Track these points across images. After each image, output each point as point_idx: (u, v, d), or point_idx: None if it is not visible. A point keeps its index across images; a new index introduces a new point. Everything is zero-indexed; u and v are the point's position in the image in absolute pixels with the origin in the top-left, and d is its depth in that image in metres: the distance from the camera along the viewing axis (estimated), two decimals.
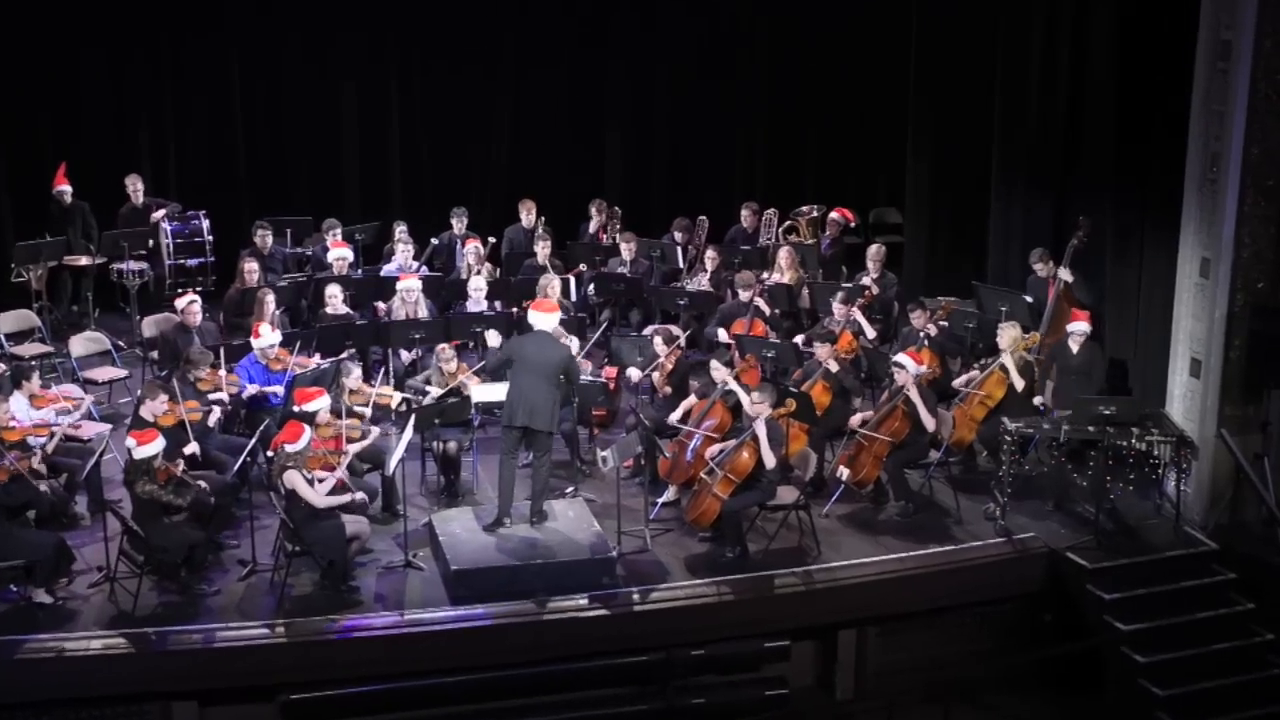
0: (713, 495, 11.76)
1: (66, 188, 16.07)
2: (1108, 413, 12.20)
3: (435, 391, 12.81)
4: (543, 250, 15.78)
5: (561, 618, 11.20)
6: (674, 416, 12.75)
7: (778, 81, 18.90)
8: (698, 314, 15.29)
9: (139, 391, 12.56)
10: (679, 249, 16.48)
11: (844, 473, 12.52)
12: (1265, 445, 12.59)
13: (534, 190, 17.02)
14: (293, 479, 11.03)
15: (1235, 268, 12.46)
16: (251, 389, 12.86)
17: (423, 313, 14.53)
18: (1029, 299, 14.28)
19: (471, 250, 15.70)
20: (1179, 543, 12.39)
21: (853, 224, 17.56)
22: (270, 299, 14.03)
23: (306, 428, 11.36)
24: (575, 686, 11.43)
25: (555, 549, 11.59)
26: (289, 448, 11.12)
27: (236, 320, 14.55)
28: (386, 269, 15.66)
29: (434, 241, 16.31)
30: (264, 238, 15.58)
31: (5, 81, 16.36)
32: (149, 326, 14.63)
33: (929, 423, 12.39)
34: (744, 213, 17.10)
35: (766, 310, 14.67)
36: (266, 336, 13.03)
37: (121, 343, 15.02)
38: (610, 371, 13.82)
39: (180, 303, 13.91)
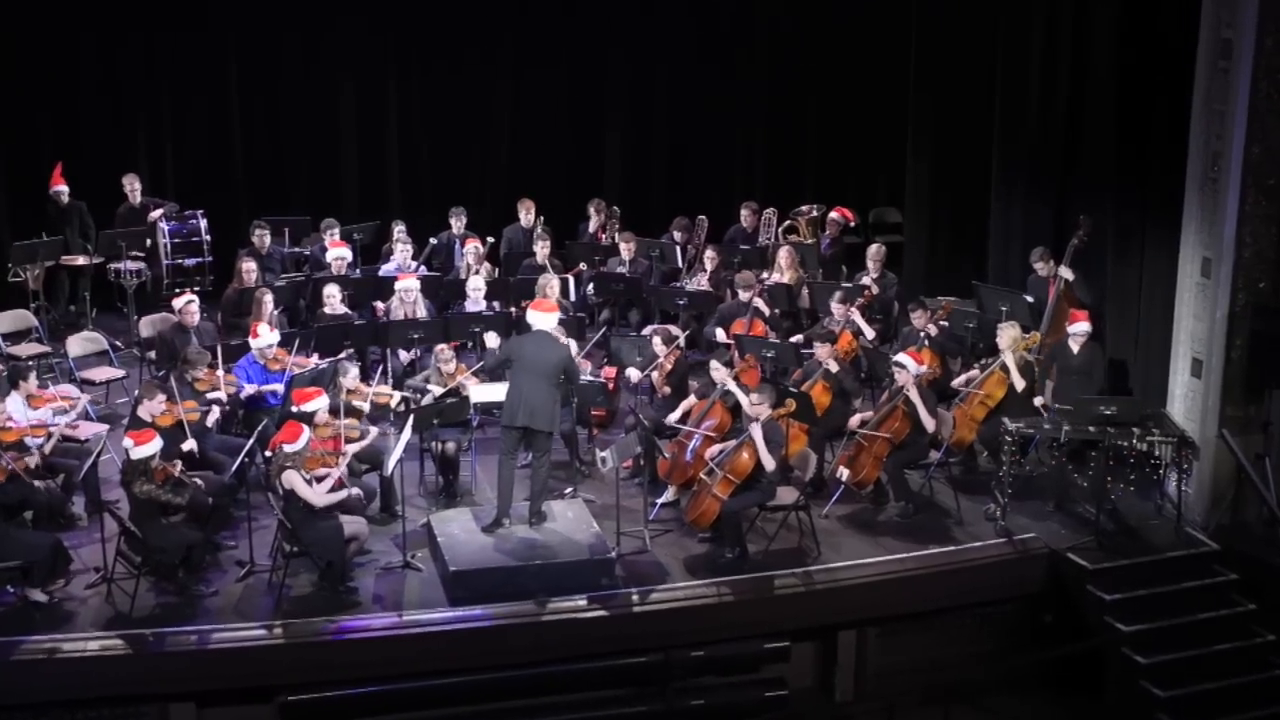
0: (712, 496, 11.74)
1: (63, 187, 16.03)
2: (1108, 413, 12.18)
3: (436, 390, 12.78)
4: (542, 250, 15.75)
5: (560, 619, 11.18)
6: (673, 417, 12.73)
7: (777, 80, 18.86)
8: (697, 314, 15.27)
9: (136, 392, 12.53)
10: (678, 249, 16.45)
11: (844, 473, 12.50)
12: (1266, 445, 12.58)
13: (533, 190, 16.99)
14: (291, 479, 11.01)
15: (1236, 267, 12.45)
16: (249, 389, 12.82)
17: (421, 313, 14.50)
18: (1029, 299, 14.25)
19: (471, 250, 15.67)
20: (1180, 543, 12.37)
21: (853, 223, 17.53)
22: (268, 299, 14.00)
23: (305, 428, 11.33)
24: (574, 688, 11.40)
25: (554, 550, 11.57)
26: (287, 448, 11.09)
27: (234, 320, 14.52)
28: (385, 269, 15.63)
29: (433, 241, 16.28)
30: (262, 237, 15.55)
31: (2, 81, 16.31)
32: (146, 326, 14.59)
33: (929, 423, 12.36)
34: (743, 212, 17.07)
35: (766, 311, 14.64)
36: (265, 336, 13.00)
37: (119, 343, 14.97)
38: (609, 372, 13.79)
39: (178, 303, 13.87)
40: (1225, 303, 12.51)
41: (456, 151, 18.23)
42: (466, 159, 18.37)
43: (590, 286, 15.77)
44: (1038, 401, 12.90)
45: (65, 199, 16.06)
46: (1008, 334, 13.16)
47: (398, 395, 12.84)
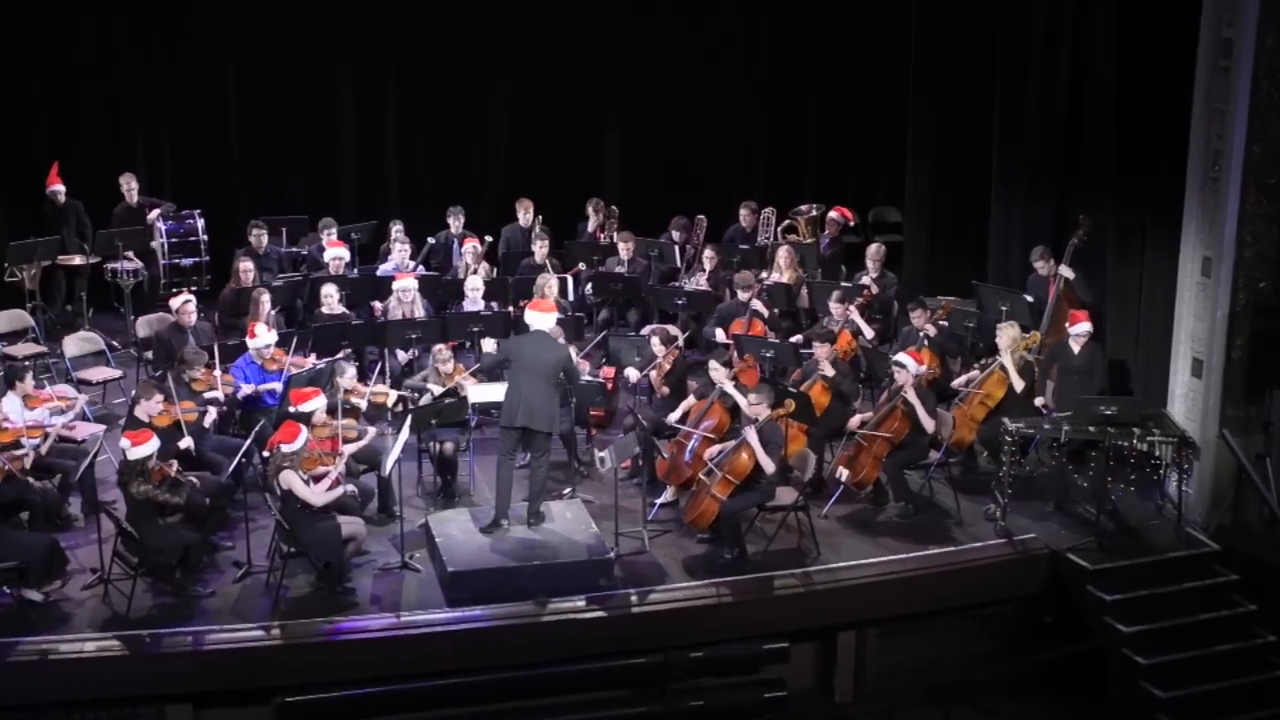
0: (711, 496, 11.70)
1: (60, 187, 15.98)
2: (1109, 413, 12.16)
3: (436, 390, 12.74)
4: (540, 250, 15.73)
5: (559, 619, 11.15)
6: (673, 417, 12.70)
7: (776, 79, 18.85)
8: (696, 314, 15.25)
9: (133, 392, 12.49)
10: (677, 248, 16.43)
11: (843, 473, 12.47)
12: (1267, 446, 12.55)
13: (531, 189, 16.98)
14: (289, 479, 10.98)
15: (1237, 267, 12.42)
16: (247, 389, 12.78)
17: (419, 312, 14.46)
18: (1030, 298, 14.23)
19: (469, 249, 15.63)
20: (1180, 544, 12.33)
21: (852, 223, 17.52)
22: (265, 299, 13.97)
23: (303, 428, 11.30)
24: (573, 689, 11.38)
25: (552, 550, 11.54)
26: (285, 448, 11.06)
27: (231, 320, 14.49)
28: (383, 268, 15.61)
29: (431, 241, 16.25)
30: (259, 237, 15.51)
31: None
32: (143, 326, 14.54)
33: (928, 424, 12.34)
34: (742, 212, 17.06)
35: (765, 312, 14.60)
36: (262, 337, 12.97)
37: (116, 343, 14.91)
38: (608, 371, 13.76)
39: (175, 302, 13.82)
40: (1226, 302, 12.48)
41: (454, 151, 18.21)
42: (464, 158, 18.35)
43: (589, 286, 15.74)
44: (1038, 402, 12.88)
45: (62, 198, 16.02)
46: (1007, 334, 13.14)
47: (395, 395, 12.82)
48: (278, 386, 12.77)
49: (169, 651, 10.60)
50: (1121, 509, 12.62)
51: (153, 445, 10.98)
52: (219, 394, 12.50)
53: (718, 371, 12.52)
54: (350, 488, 11.49)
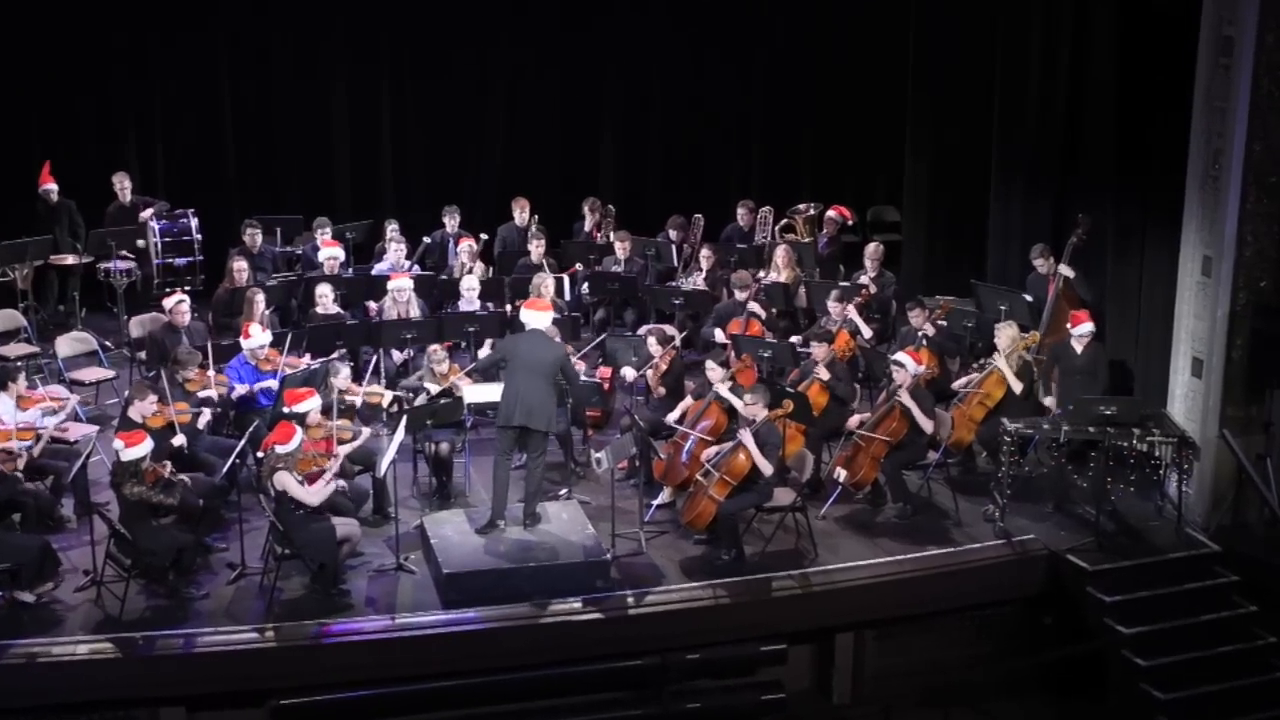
0: (708, 497, 11.65)
1: (52, 186, 15.95)
2: (1108, 413, 12.13)
3: (433, 389, 12.69)
4: (536, 249, 15.68)
5: (555, 621, 11.11)
6: (671, 417, 12.65)
7: (774, 77, 18.81)
8: (693, 313, 15.21)
9: (127, 392, 12.44)
10: (674, 247, 16.39)
11: (841, 474, 12.43)
12: (1268, 446, 12.52)
13: (527, 188, 16.93)
14: (283, 480, 10.93)
15: (1237, 266, 12.39)
16: (241, 389, 12.72)
17: (414, 312, 14.41)
18: (1029, 297, 14.18)
19: (464, 248, 15.58)
20: (1180, 545, 12.29)
21: (850, 222, 17.47)
22: (260, 299, 13.92)
23: (298, 429, 11.25)
24: (569, 691, 11.34)
25: (549, 552, 11.50)
26: (280, 449, 11.02)
27: (225, 320, 14.42)
28: (379, 268, 15.56)
29: (426, 240, 16.20)
30: (253, 236, 15.48)
31: None
32: (136, 326, 14.48)
33: (925, 424, 12.30)
34: (740, 211, 17.02)
35: (762, 314, 14.53)
36: (256, 337, 12.91)
37: (109, 343, 14.85)
38: (605, 372, 13.72)
39: (168, 302, 13.77)
40: (1226, 301, 12.44)
41: (450, 150, 18.18)
42: (460, 157, 18.32)
43: (585, 286, 15.68)
44: (1048, 402, 12.80)
45: (54, 197, 15.98)
46: (1006, 333, 13.11)
47: (390, 395, 12.77)
48: (273, 384, 12.70)
49: (162, 654, 10.54)
50: (1121, 510, 12.58)
51: (146, 446, 10.92)
52: (213, 393, 12.43)
53: (714, 372, 12.47)
54: (340, 483, 11.41)
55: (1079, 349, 12.88)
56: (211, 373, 12.62)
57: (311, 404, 11.74)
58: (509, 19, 18.07)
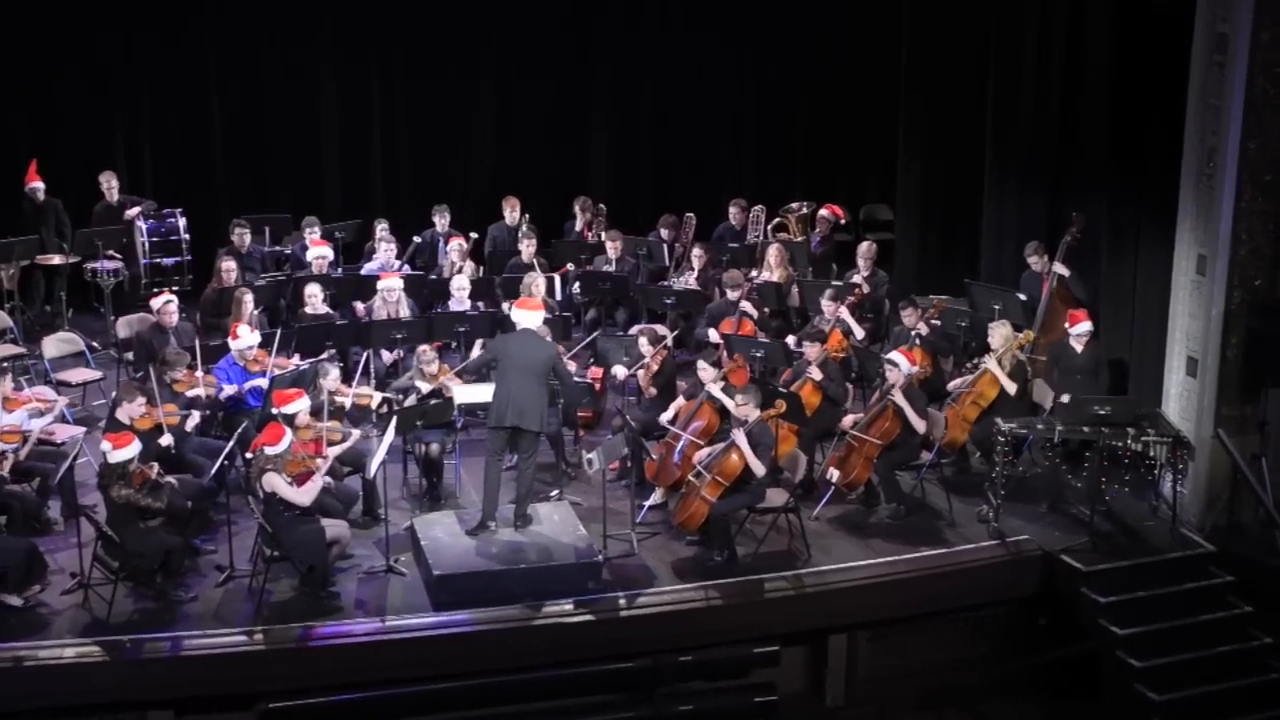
0: (700, 498, 11.60)
1: (39, 185, 15.86)
2: (1103, 413, 12.11)
3: (425, 388, 12.61)
4: (527, 248, 15.63)
5: (546, 623, 11.05)
6: (664, 417, 12.59)
7: (767, 75, 18.78)
8: (685, 313, 15.17)
9: (114, 394, 12.37)
10: (665, 247, 16.36)
11: (834, 475, 12.39)
12: (1263, 445, 12.45)
13: (518, 187, 16.87)
14: (272, 481, 10.87)
15: (1232, 265, 12.35)
16: (229, 389, 12.65)
17: (404, 312, 14.34)
18: (1023, 296, 14.14)
19: (454, 247, 15.53)
20: (1175, 545, 12.25)
21: (843, 221, 17.43)
22: (248, 299, 13.86)
23: (287, 430, 11.19)
24: (560, 693, 11.29)
25: (540, 553, 11.44)
26: (269, 450, 10.96)
27: (214, 320, 14.37)
28: (368, 267, 15.51)
29: (417, 240, 16.14)
30: (242, 236, 15.41)
31: None
32: (124, 327, 14.41)
33: (918, 424, 12.26)
34: (732, 209, 16.97)
35: (754, 313, 14.48)
36: (245, 338, 12.85)
37: (96, 344, 14.75)
38: (596, 372, 13.67)
39: (156, 303, 13.71)
40: (1221, 300, 12.41)
41: (440, 149, 18.13)
42: (450, 156, 18.27)
43: (576, 285, 15.62)
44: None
45: (41, 196, 15.89)
46: (999, 333, 13.07)
47: (379, 397, 12.72)
48: (263, 383, 12.63)
49: (150, 657, 10.48)
50: (1116, 510, 12.56)
51: (134, 448, 10.86)
52: (201, 391, 12.37)
53: (706, 373, 12.43)
54: (328, 479, 11.34)
55: (1079, 348, 12.85)
56: (200, 373, 12.53)
57: (300, 405, 11.68)
58: (499, 17, 17.99)
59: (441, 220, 16.22)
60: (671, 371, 13.32)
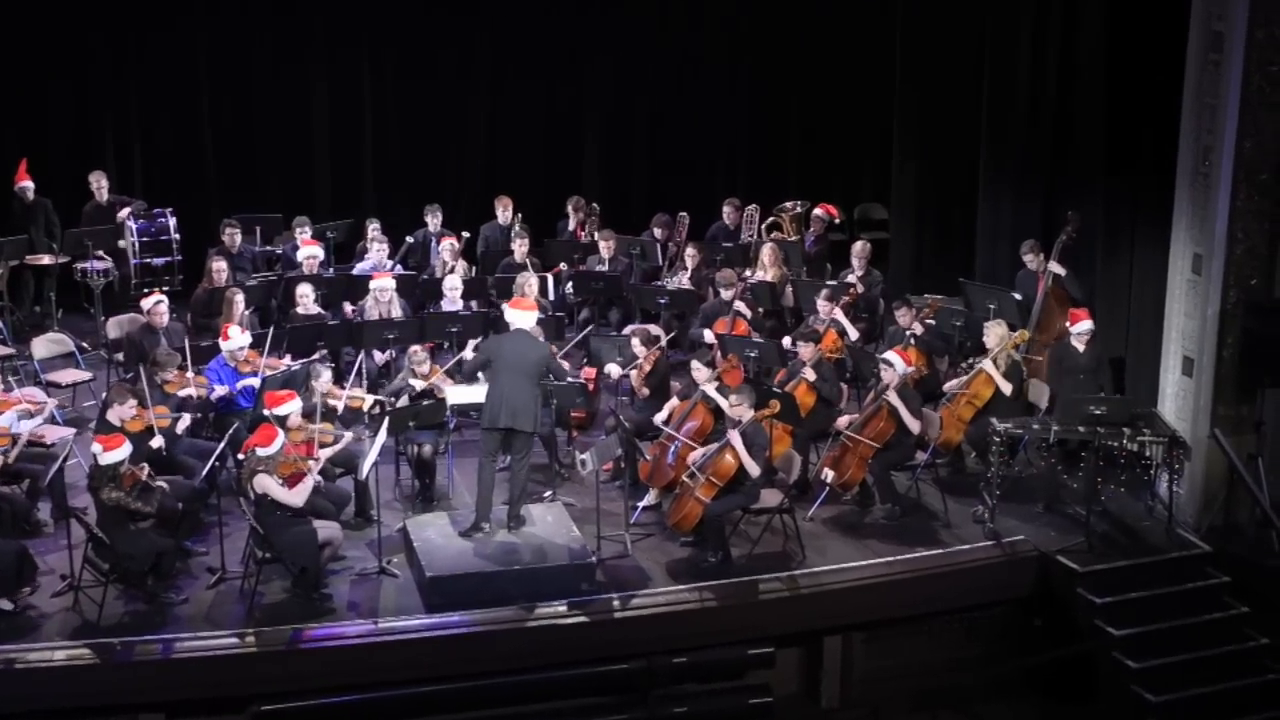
0: (694, 499, 11.56)
1: (28, 184, 15.80)
2: (1098, 413, 12.06)
3: (419, 386, 12.55)
4: (520, 248, 15.58)
5: (540, 625, 11.02)
6: (658, 418, 12.53)
7: (760, 73, 18.74)
8: (679, 313, 15.13)
9: (105, 395, 12.31)
10: (659, 246, 16.31)
11: (829, 475, 12.34)
12: (1259, 445, 12.43)
13: (510, 187, 16.82)
14: (264, 483, 10.83)
15: (1228, 264, 12.32)
16: (221, 390, 12.59)
17: (396, 312, 14.28)
18: (1018, 296, 14.10)
19: (447, 247, 15.47)
20: (1172, 545, 12.22)
21: (837, 220, 17.42)
22: (239, 299, 13.81)
23: (280, 431, 11.14)
24: (554, 695, 11.25)
25: (533, 554, 11.41)
26: (261, 451, 10.92)
27: (204, 321, 14.33)
28: (361, 267, 15.45)
29: (409, 240, 16.09)
30: (232, 236, 15.36)
31: None
32: (114, 327, 14.35)
33: (912, 425, 12.23)
34: (726, 209, 16.93)
35: (748, 313, 14.44)
36: (236, 339, 12.78)
37: (86, 344, 14.73)
38: (589, 372, 13.62)
39: (146, 303, 13.64)
40: (1217, 300, 12.38)
41: (432, 148, 18.08)
42: (443, 156, 18.22)
43: (569, 285, 15.57)
44: (1044, 394, 12.71)
45: (30, 196, 15.83)
46: (994, 332, 13.05)
47: (371, 398, 12.67)
48: (254, 383, 12.59)
49: (141, 660, 10.44)
50: (1112, 510, 12.53)
51: (125, 451, 10.82)
52: (192, 390, 12.33)
53: (700, 373, 12.39)
54: (319, 479, 11.30)
55: (1081, 347, 12.82)
56: (190, 374, 12.47)
57: (292, 407, 11.62)
58: (492, 15, 17.94)
59: (434, 220, 16.17)
60: (665, 372, 13.28)
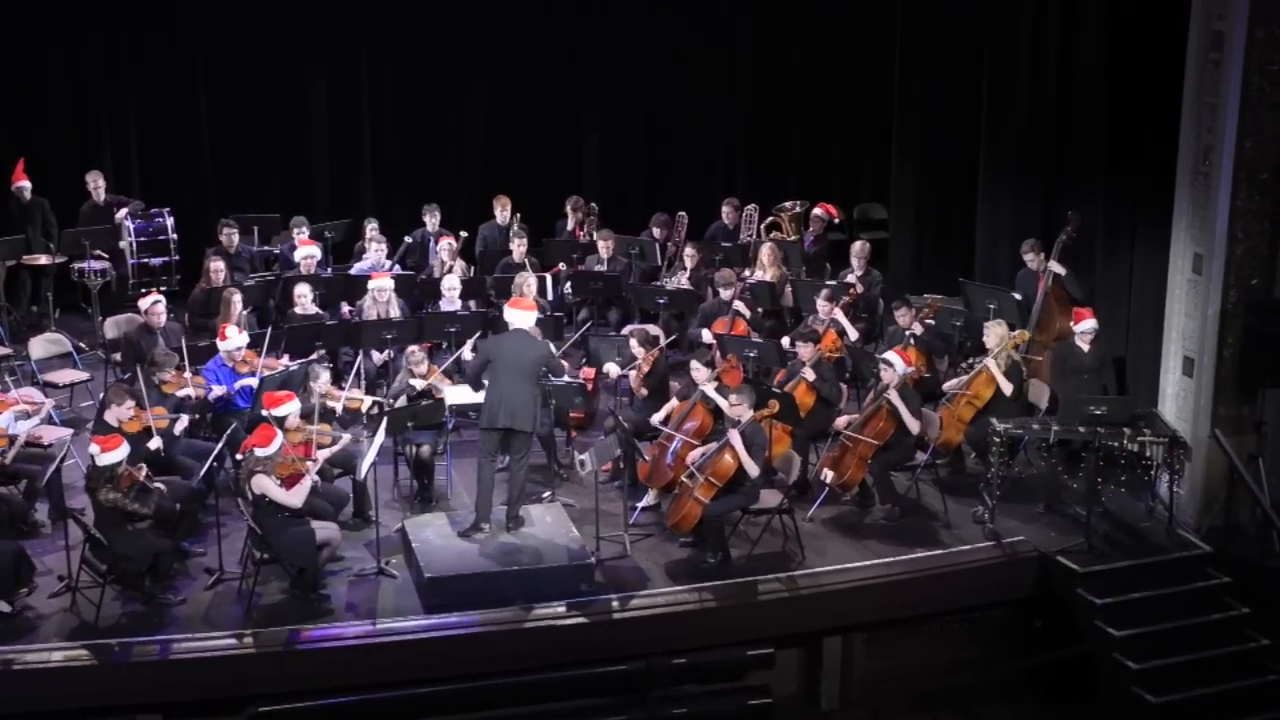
0: (694, 499, 11.53)
1: (25, 184, 15.75)
2: (1098, 413, 12.03)
3: (419, 385, 12.52)
4: (518, 248, 15.55)
5: (538, 626, 10.99)
6: (656, 418, 12.50)
7: (759, 72, 18.72)
8: (678, 313, 15.10)
9: (101, 395, 12.28)
10: (658, 246, 16.28)
11: (828, 475, 12.31)
12: (1260, 445, 12.41)
13: (509, 186, 16.78)
14: (262, 483, 10.81)
15: (1228, 263, 12.30)
16: (218, 390, 12.56)
17: (394, 312, 14.25)
18: (1018, 296, 14.06)
19: (444, 247, 15.45)
20: (1172, 546, 12.19)
21: (837, 220, 17.38)
22: (237, 299, 13.77)
23: (278, 432, 11.12)
24: (553, 697, 11.23)
25: (532, 555, 11.38)
26: (259, 452, 10.90)
27: (202, 321, 14.30)
28: (359, 267, 15.42)
29: (408, 240, 16.05)
30: (230, 236, 15.31)
31: None
32: (111, 328, 14.32)
33: (912, 425, 12.20)
34: (725, 208, 16.90)
35: (747, 313, 14.41)
36: (233, 339, 12.76)
37: (83, 344, 14.68)
38: (588, 372, 13.59)
39: (144, 303, 13.61)
40: (1217, 300, 12.36)
41: (430, 147, 18.06)
42: (441, 155, 18.19)
43: (568, 285, 15.54)
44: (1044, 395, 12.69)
45: (27, 196, 15.78)
46: (994, 332, 13.02)
47: (369, 400, 12.65)
48: (252, 383, 12.56)
49: (139, 661, 10.42)
50: (1112, 511, 12.51)
51: (122, 452, 10.80)
52: (190, 391, 12.30)
53: (699, 372, 12.37)
54: (316, 479, 11.27)
55: (1085, 347, 12.80)
56: (188, 374, 12.44)
57: (291, 408, 11.60)
58: (490, 13, 17.92)
59: (432, 220, 16.13)
60: (664, 372, 13.25)
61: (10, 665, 10.23)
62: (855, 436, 12.23)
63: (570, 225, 16.79)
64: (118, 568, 10.78)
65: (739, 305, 14.37)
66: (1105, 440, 11.98)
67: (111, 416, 11.51)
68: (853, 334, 14.11)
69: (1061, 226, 13.93)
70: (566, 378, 12.91)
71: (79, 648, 10.41)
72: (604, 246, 15.77)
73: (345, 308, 14.69)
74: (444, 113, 18.04)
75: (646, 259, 16.14)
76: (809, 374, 12.86)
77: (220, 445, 11.63)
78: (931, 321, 13.93)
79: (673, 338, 14.42)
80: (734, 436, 11.43)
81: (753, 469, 11.43)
